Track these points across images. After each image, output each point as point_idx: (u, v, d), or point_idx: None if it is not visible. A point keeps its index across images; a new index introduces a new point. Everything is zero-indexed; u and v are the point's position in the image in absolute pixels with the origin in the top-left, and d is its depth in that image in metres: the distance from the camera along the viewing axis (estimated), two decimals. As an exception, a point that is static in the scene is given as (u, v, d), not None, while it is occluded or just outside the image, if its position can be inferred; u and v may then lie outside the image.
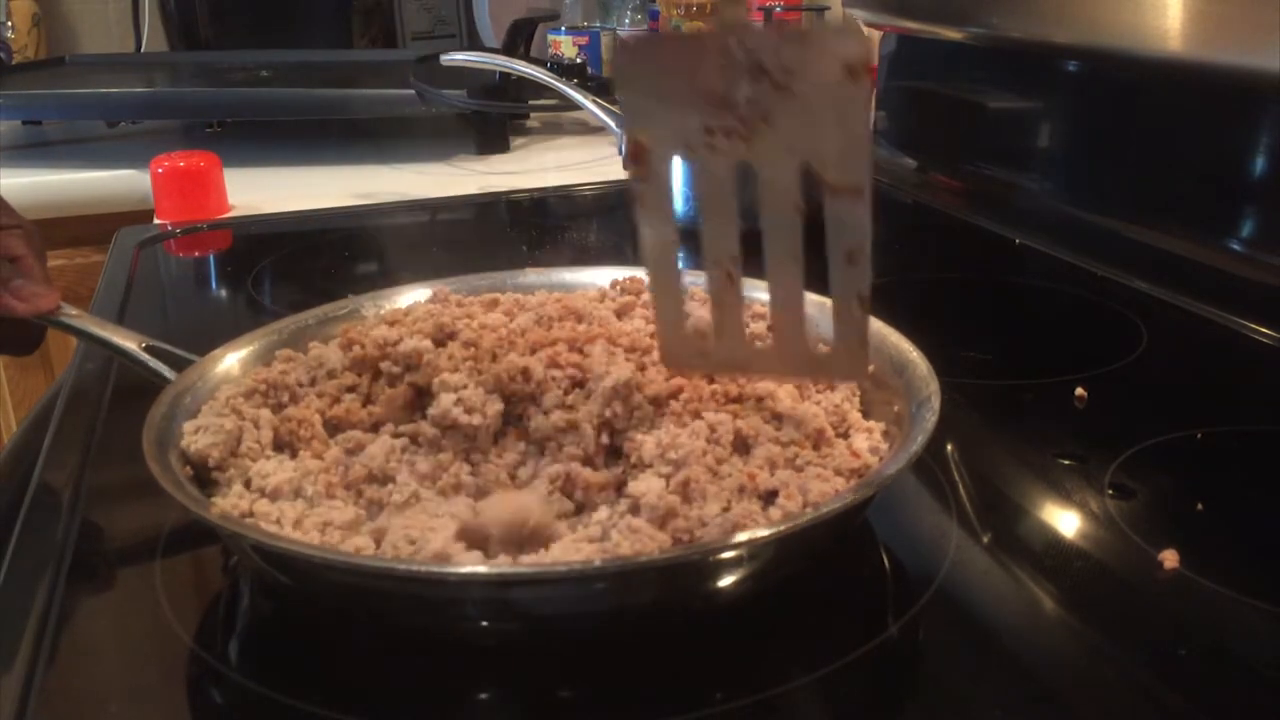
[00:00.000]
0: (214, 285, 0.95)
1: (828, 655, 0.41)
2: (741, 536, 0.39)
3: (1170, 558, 0.46)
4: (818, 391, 0.50)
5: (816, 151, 0.38)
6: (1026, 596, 0.45)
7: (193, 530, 0.50)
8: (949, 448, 0.56)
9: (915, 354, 0.51)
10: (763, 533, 0.39)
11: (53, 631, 0.43)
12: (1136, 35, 0.79)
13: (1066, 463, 0.55)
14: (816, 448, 0.46)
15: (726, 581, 0.40)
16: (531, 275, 0.63)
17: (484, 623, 0.40)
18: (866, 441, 0.47)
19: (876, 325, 0.54)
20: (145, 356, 0.53)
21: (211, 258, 1.02)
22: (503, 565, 0.39)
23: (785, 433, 0.46)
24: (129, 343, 0.54)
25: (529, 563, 0.39)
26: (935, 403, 0.46)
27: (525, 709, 0.40)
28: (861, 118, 0.37)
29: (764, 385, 0.48)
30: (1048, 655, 0.42)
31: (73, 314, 0.54)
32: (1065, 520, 0.51)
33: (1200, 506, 0.51)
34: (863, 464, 0.45)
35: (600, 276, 0.62)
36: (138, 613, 0.46)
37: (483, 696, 0.40)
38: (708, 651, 0.41)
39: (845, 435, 0.48)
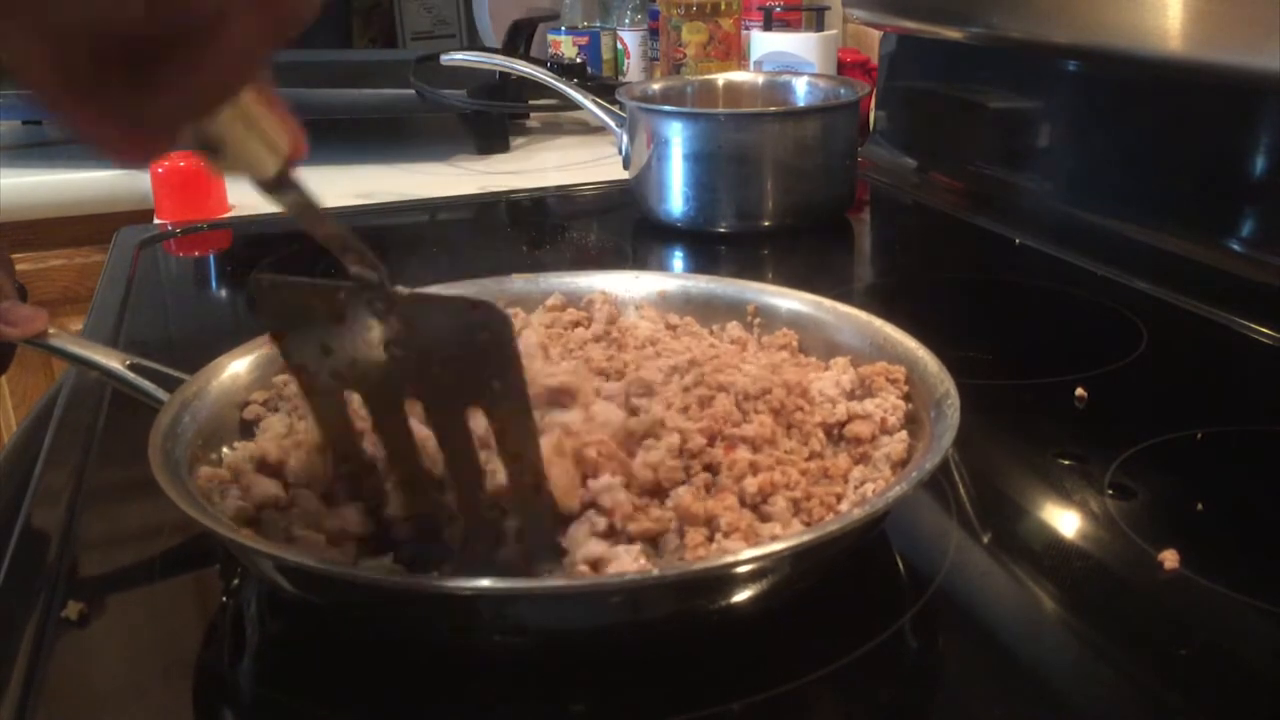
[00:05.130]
0: (214, 285, 0.95)
1: (828, 655, 0.41)
2: (771, 547, 0.38)
3: (1170, 558, 0.46)
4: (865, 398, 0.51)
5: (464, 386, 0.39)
6: (1026, 596, 0.45)
7: (193, 530, 0.50)
8: (948, 451, 0.56)
9: (923, 351, 0.51)
10: (791, 541, 0.38)
11: (53, 632, 0.43)
12: (1136, 35, 0.79)
13: (1066, 463, 0.55)
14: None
15: (753, 592, 0.40)
16: (519, 281, 0.62)
17: (499, 636, 0.40)
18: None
19: (882, 325, 0.54)
20: (130, 375, 0.52)
21: (211, 257, 1.02)
22: (519, 581, 0.39)
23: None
24: (113, 362, 0.53)
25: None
26: (954, 395, 0.47)
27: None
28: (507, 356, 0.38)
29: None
30: (1048, 655, 0.42)
31: (52, 334, 0.54)
32: (1065, 520, 0.51)
33: (1200, 506, 0.51)
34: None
35: (584, 281, 0.62)
36: (139, 613, 0.46)
37: (494, 710, 0.40)
38: (709, 652, 0.41)
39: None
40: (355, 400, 0.42)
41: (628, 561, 0.40)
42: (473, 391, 0.38)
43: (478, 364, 0.38)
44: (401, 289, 0.39)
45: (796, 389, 0.49)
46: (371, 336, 0.39)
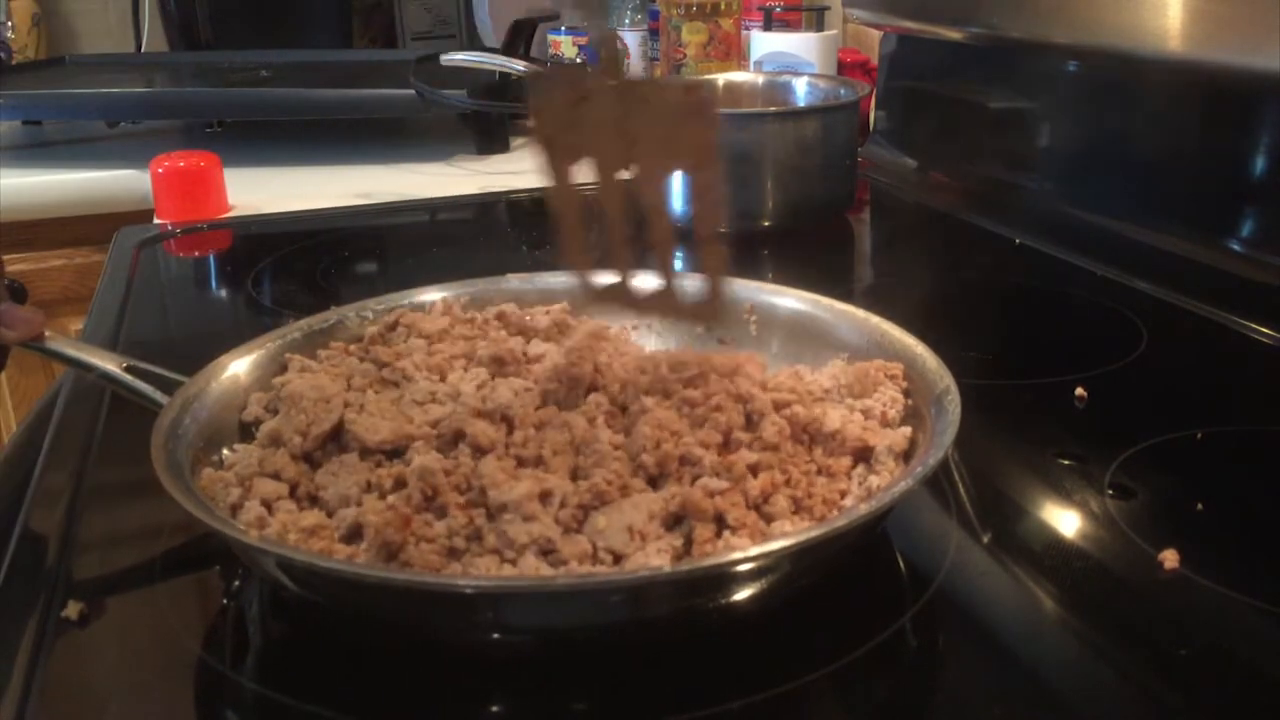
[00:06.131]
0: (214, 285, 0.95)
1: (828, 655, 0.41)
2: (776, 544, 0.38)
3: (1170, 558, 0.46)
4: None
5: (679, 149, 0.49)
6: (1026, 596, 0.45)
7: (194, 531, 0.50)
8: (950, 448, 0.56)
9: (921, 348, 0.51)
10: (792, 539, 0.38)
11: (53, 632, 0.43)
12: (1136, 35, 0.79)
13: (1066, 463, 0.55)
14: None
15: (755, 590, 0.40)
16: (514, 281, 0.62)
17: (499, 635, 0.40)
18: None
19: (880, 322, 0.54)
20: (127, 378, 0.52)
21: (211, 258, 1.02)
22: (522, 578, 0.39)
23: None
24: (110, 364, 0.53)
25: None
26: (955, 391, 0.47)
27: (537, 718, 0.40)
28: (709, 123, 0.49)
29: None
30: (1048, 655, 0.42)
31: (49, 336, 0.54)
32: (1065, 520, 0.51)
33: (1200, 506, 0.51)
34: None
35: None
36: (139, 612, 0.46)
37: (495, 709, 0.40)
38: (709, 652, 0.41)
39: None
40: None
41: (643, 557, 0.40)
42: (678, 152, 0.48)
43: (687, 126, 0.47)
44: (635, 77, 0.48)
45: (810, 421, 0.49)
46: (607, 113, 0.48)
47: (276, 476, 0.46)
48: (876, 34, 1.26)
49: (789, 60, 1.26)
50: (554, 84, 0.50)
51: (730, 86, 1.07)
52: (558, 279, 0.62)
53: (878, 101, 1.23)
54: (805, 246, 0.94)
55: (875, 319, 0.55)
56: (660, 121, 0.48)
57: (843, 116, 0.96)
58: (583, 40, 1.58)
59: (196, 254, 1.02)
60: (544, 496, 0.41)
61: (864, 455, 0.47)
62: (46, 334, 0.53)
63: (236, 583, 0.46)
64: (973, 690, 0.40)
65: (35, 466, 0.58)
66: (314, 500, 0.46)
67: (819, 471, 0.46)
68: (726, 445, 0.46)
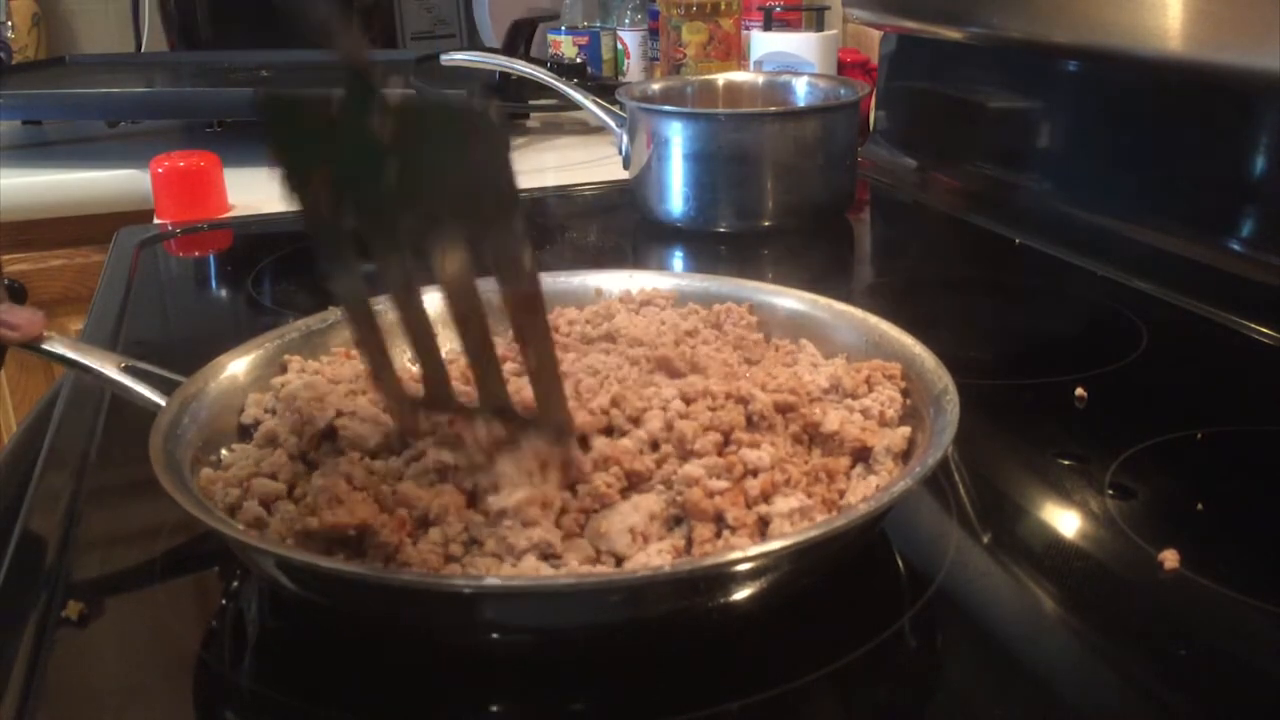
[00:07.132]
0: (214, 285, 0.95)
1: (828, 655, 0.41)
2: (776, 543, 0.38)
3: (1170, 558, 0.46)
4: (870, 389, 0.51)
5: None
6: (1026, 596, 0.45)
7: (194, 531, 0.50)
8: (949, 448, 0.56)
9: (920, 348, 0.51)
10: (795, 538, 0.38)
11: (53, 632, 0.43)
12: (1136, 35, 0.79)
13: (1066, 463, 0.55)
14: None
15: (754, 590, 0.40)
16: None
17: (497, 635, 0.40)
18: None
19: (878, 323, 0.54)
20: (125, 379, 0.52)
21: (211, 258, 1.02)
22: (522, 578, 0.39)
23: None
24: (108, 366, 0.53)
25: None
26: (953, 391, 0.47)
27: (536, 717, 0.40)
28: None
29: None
30: (1048, 655, 0.42)
31: (48, 337, 0.54)
32: (1065, 520, 0.51)
33: (1200, 506, 0.51)
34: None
35: (579, 280, 0.62)
36: (138, 612, 0.46)
37: (495, 709, 0.40)
38: (709, 652, 0.41)
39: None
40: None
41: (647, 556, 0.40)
42: (470, 221, 0.39)
43: (474, 187, 0.37)
44: (393, 92, 0.38)
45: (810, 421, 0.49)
46: (368, 146, 0.38)
47: (274, 477, 0.46)
48: (876, 34, 1.26)
49: (789, 60, 1.26)
50: (291, 111, 0.40)
51: (730, 86, 1.07)
52: (557, 280, 0.62)
53: (878, 101, 1.23)
54: (805, 246, 0.94)
55: (874, 319, 0.55)
56: (432, 173, 0.37)
57: (843, 116, 0.96)
58: (583, 40, 1.58)
59: (196, 254, 1.02)
60: (544, 505, 0.41)
61: (863, 455, 0.47)
62: (45, 335, 0.53)
63: (235, 583, 0.46)
64: (972, 690, 0.40)
65: (35, 467, 0.58)
66: None
67: (818, 472, 0.46)
68: (727, 445, 0.46)
